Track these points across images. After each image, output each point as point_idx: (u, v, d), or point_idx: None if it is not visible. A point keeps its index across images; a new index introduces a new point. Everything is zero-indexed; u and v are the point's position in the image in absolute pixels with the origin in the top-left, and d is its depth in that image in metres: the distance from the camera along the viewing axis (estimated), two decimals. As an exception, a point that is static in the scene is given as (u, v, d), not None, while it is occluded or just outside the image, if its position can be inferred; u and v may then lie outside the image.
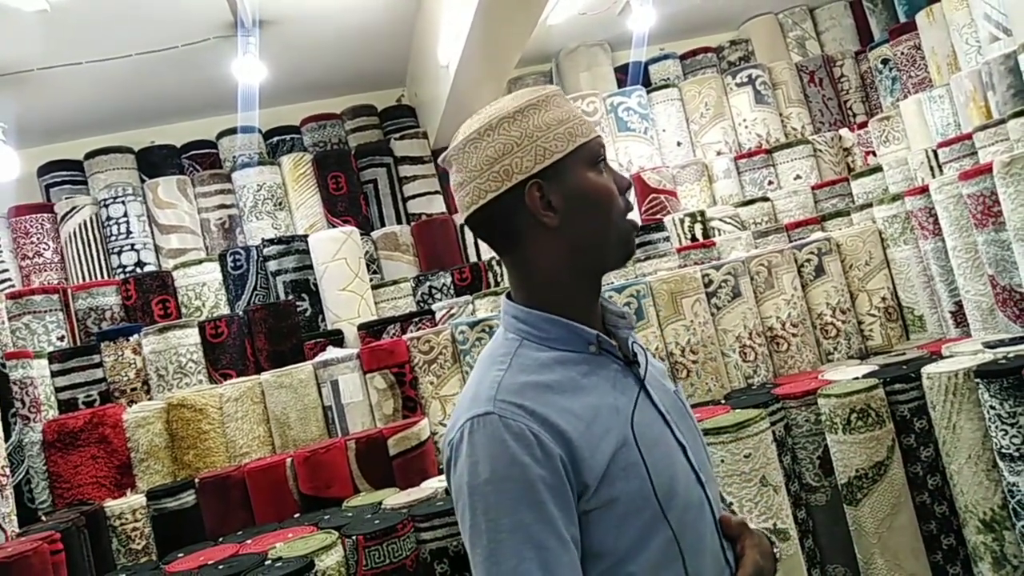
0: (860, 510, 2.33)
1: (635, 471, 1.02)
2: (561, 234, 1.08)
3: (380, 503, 2.43)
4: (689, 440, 1.14)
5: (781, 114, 4.78)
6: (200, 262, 3.72)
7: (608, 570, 1.01)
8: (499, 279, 3.86)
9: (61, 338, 3.34)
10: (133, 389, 3.17)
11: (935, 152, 3.42)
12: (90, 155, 4.41)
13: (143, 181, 4.32)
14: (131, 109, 4.57)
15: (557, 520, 0.96)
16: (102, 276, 4.00)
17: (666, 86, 4.79)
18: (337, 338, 3.38)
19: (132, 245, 4.07)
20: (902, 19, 4.55)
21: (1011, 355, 2.25)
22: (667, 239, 3.88)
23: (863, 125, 4.45)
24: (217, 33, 4.00)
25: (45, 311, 3.33)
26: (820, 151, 4.46)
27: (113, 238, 4.08)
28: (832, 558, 2.42)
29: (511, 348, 1.10)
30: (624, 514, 1.01)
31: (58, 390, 3.06)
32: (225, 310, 3.64)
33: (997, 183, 2.49)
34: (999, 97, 3.31)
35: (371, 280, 3.82)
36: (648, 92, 4.74)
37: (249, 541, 2.36)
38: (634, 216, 1.13)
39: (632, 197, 1.09)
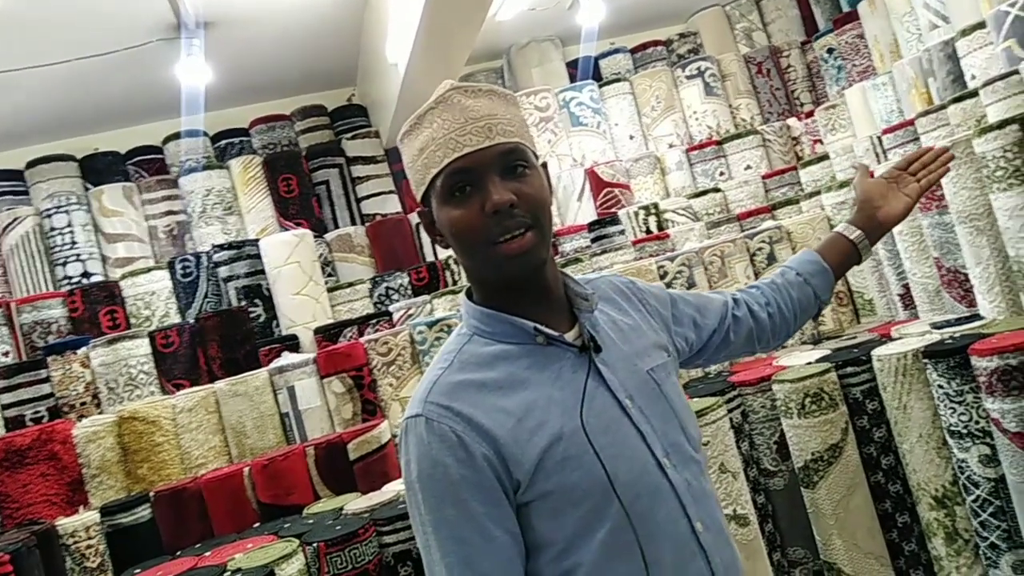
0: (817, 492, 2.37)
1: (574, 463, 1.05)
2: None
3: (341, 509, 2.41)
4: (656, 423, 1.13)
5: (730, 105, 4.84)
6: (148, 270, 3.64)
7: (553, 560, 1.06)
8: (456, 278, 3.84)
9: (6, 353, 3.24)
10: (83, 403, 3.08)
11: (880, 139, 3.49)
12: (31, 164, 4.27)
13: (87, 189, 4.20)
14: (73, 115, 4.45)
15: (481, 517, 1.02)
16: (47, 288, 3.88)
17: (617, 80, 4.81)
18: (292, 343, 3.33)
19: (77, 255, 3.96)
20: (845, 9, 4.63)
21: (957, 335, 2.30)
22: (622, 232, 3.90)
23: (810, 114, 4.52)
24: (160, 35, 3.91)
25: (-12, 326, 3.23)
26: (769, 141, 4.53)
27: (57, 249, 3.96)
28: (792, 541, 2.46)
29: (459, 344, 1.13)
30: (561, 506, 1.05)
31: (4, 407, 2.98)
32: (176, 319, 3.56)
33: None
34: (939, 83, 3.38)
35: (326, 283, 3.77)
36: (600, 86, 4.76)
37: (208, 553, 2.32)
38: (528, 237, 1.06)
39: (529, 209, 1.06)
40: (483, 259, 1.09)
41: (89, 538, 2.53)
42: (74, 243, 3.97)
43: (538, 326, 1.10)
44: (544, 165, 1.17)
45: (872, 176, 1.54)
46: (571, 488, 1.04)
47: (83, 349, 3.13)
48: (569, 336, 1.13)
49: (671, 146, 4.66)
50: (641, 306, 1.29)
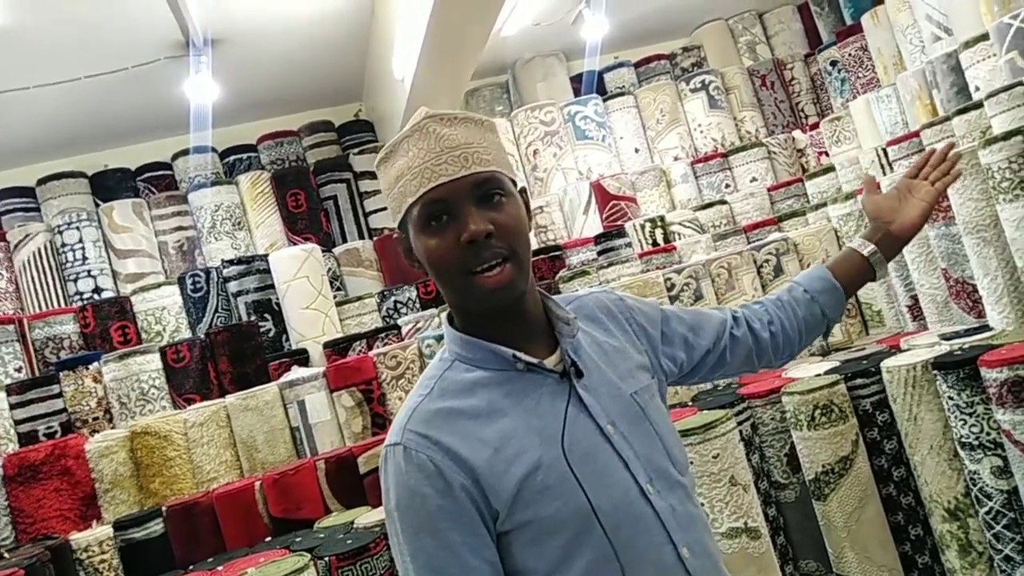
0: (828, 505, 2.36)
1: (553, 492, 1.04)
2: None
3: (352, 522, 2.41)
4: (639, 448, 1.11)
5: (735, 118, 4.86)
6: (159, 286, 3.67)
7: None
8: (464, 291, 3.85)
9: (19, 369, 3.26)
10: (95, 418, 3.10)
11: (885, 150, 3.51)
12: (42, 181, 4.32)
13: (97, 206, 4.24)
14: (83, 133, 4.50)
15: (459, 546, 1.02)
16: (59, 304, 3.92)
17: (621, 94, 4.85)
18: (302, 357, 3.34)
19: (88, 271, 3.99)
20: (848, 21, 4.67)
21: (966, 346, 2.30)
22: (629, 245, 3.91)
23: (815, 126, 4.54)
24: (168, 53, 3.95)
25: (1, 342, 3.25)
26: (774, 153, 4.54)
27: (69, 265, 3.99)
28: (804, 553, 2.46)
29: (440, 371, 1.13)
30: (540, 535, 1.04)
31: (17, 423, 2.99)
32: (186, 334, 3.58)
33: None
34: (943, 95, 3.40)
35: (335, 297, 3.79)
36: (604, 100, 4.79)
37: (220, 568, 2.32)
38: (506, 268, 1.05)
39: (506, 239, 1.05)
40: (461, 289, 1.08)
41: (102, 553, 2.54)
42: (85, 259, 4.00)
43: (517, 353, 1.09)
44: (523, 191, 1.16)
45: (879, 189, 1.52)
46: (550, 517, 1.04)
47: (95, 364, 3.14)
48: (550, 362, 1.12)
49: (676, 159, 4.68)
50: (627, 325, 1.26)
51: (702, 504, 2.19)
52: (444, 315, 1.19)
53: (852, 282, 1.44)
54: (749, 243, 3.52)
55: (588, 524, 1.04)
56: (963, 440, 2.16)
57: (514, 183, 1.13)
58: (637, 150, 4.76)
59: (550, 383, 1.11)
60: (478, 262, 1.04)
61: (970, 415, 2.12)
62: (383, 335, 3.42)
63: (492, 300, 1.06)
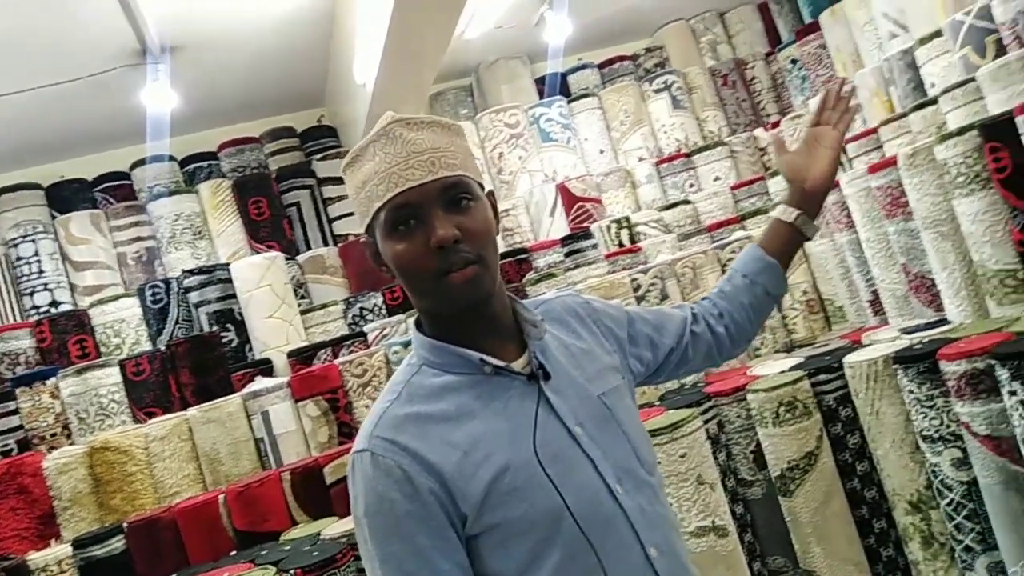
0: (794, 501, 2.38)
1: (521, 495, 1.04)
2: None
3: (319, 534, 2.38)
4: (607, 449, 1.12)
5: (698, 118, 4.89)
6: (117, 298, 3.58)
7: None
8: (431, 296, 3.83)
9: (-28, 387, 3.17)
10: (53, 435, 3.03)
11: (844, 148, 3.54)
12: (-5, 193, 4.21)
13: (54, 217, 4.15)
14: (38, 143, 4.39)
15: (428, 550, 1.02)
16: (14, 319, 3.82)
17: (586, 95, 4.85)
18: (266, 367, 3.29)
19: (45, 285, 3.90)
20: (807, 20, 4.71)
21: (926, 340, 2.33)
22: (595, 246, 3.92)
23: (776, 124, 4.58)
24: (125, 61, 3.88)
25: (-46, 359, 3.17)
26: (737, 152, 4.57)
27: (24, 278, 3.90)
28: (771, 550, 2.47)
29: (407, 376, 1.13)
30: (510, 537, 1.04)
31: (-29, 442, 2.91)
32: (146, 346, 3.51)
33: (903, 175, 2.59)
34: (900, 91, 3.44)
35: (299, 305, 3.74)
36: (568, 102, 4.79)
37: (183, 584, 2.28)
38: (478, 269, 1.06)
39: (473, 244, 1.07)
40: (430, 292, 1.08)
41: (61, 572, 2.48)
42: (41, 272, 3.91)
43: (484, 357, 1.09)
44: (490, 194, 1.17)
45: (786, 148, 1.50)
46: (519, 520, 1.04)
47: (52, 380, 3.07)
48: (518, 364, 1.12)
49: (641, 160, 4.70)
50: (595, 327, 1.27)
51: (670, 504, 2.19)
52: (412, 320, 1.17)
53: (786, 252, 1.46)
54: (713, 242, 3.53)
55: (556, 525, 1.05)
56: (924, 433, 2.19)
57: (481, 187, 1.14)
58: (602, 151, 4.77)
59: (518, 386, 1.11)
60: (447, 266, 1.04)
61: (930, 408, 2.15)
62: (349, 343, 3.38)
63: (460, 300, 1.07)
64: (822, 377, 2.46)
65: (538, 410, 1.10)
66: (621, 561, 1.08)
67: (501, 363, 1.10)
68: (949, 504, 2.15)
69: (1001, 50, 2.77)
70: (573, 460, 1.09)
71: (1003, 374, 1.89)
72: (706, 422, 2.45)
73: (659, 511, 1.16)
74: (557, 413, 1.11)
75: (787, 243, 1.45)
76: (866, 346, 2.59)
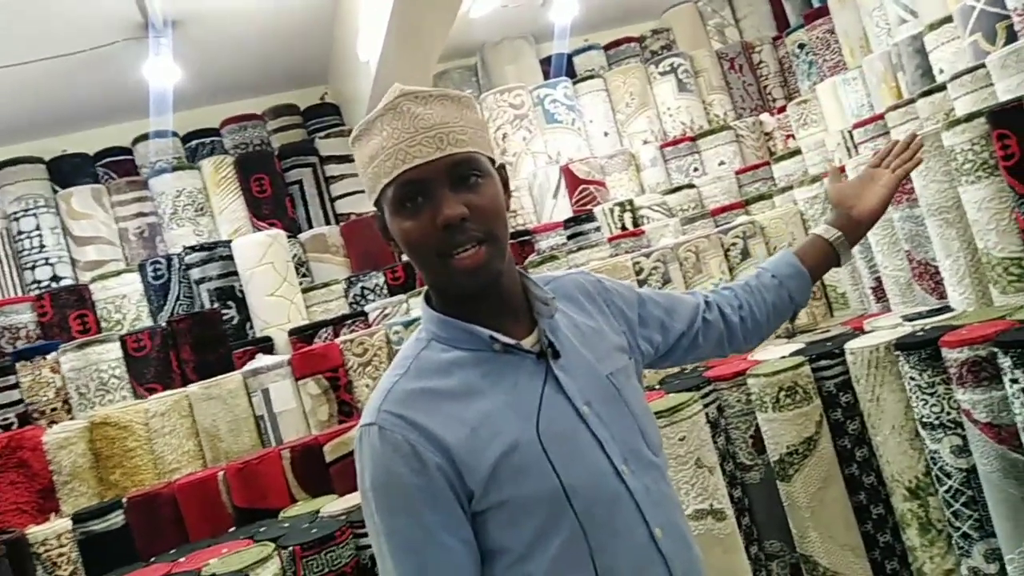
0: (792, 485, 2.38)
1: (529, 472, 1.04)
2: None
3: (318, 511, 2.39)
4: (615, 429, 1.12)
5: (703, 101, 4.85)
6: (119, 273, 3.57)
7: (508, 567, 1.06)
8: (432, 277, 3.81)
9: (-27, 360, 3.17)
10: (53, 409, 3.02)
11: (851, 133, 3.52)
12: (-3, 166, 4.20)
13: (55, 192, 4.13)
14: (40, 117, 4.38)
15: (434, 525, 1.02)
16: (15, 293, 3.82)
17: (591, 77, 4.81)
18: (267, 345, 3.29)
19: (46, 259, 3.89)
20: (816, 4, 4.66)
21: (928, 327, 2.32)
22: (598, 229, 3.90)
23: (782, 109, 4.55)
24: (127, 35, 3.86)
25: (-46, 333, 3.16)
26: (742, 136, 4.55)
27: (25, 253, 3.89)
28: (768, 534, 2.47)
29: (416, 350, 1.12)
30: (516, 515, 1.04)
31: (-28, 415, 2.91)
32: (147, 322, 3.50)
33: (908, 161, 2.56)
34: (908, 77, 3.41)
35: (300, 284, 3.73)
36: (574, 83, 4.75)
37: (182, 559, 2.29)
38: (478, 249, 1.05)
39: (482, 222, 1.05)
40: (436, 271, 1.08)
41: (61, 546, 2.49)
42: (43, 246, 3.90)
43: (494, 334, 1.09)
44: (501, 168, 1.15)
45: (843, 176, 1.54)
46: (526, 497, 1.04)
47: (53, 354, 3.07)
48: (527, 342, 1.12)
49: (645, 143, 4.67)
50: (605, 307, 1.27)
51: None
52: (422, 295, 1.17)
53: (818, 267, 1.47)
54: (717, 227, 3.52)
55: (563, 504, 1.05)
56: (924, 420, 2.18)
57: (492, 161, 1.12)
58: (606, 134, 4.74)
59: (527, 364, 1.11)
60: (453, 245, 1.03)
61: (931, 395, 2.15)
62: (350, 322, 3.37)
63: (468, 282, 1.06)
64: (823, 363, 2.46)
65: (544, 388, 1.09)
66: (626, 541, 1.08)
67: (511, 340, 1.09)
68: (947, 491, 2.15)
69: (1012, 36, 2.74)
70: (580, 440, 1.09)
71: (1005, 362, 1.89)
72: (706, 406, 2.45)
73: (664, 491, 1.16)
74: (565, 392, 1.10)
75: (821, 259, 1.46)
76: (868, 332, 2.58)
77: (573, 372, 1.13)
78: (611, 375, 1.17)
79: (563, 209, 4.28)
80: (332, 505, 2.41)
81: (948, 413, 2.12)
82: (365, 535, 2.18)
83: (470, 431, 1.04)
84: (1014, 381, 1.87)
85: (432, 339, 1.12)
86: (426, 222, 1.04)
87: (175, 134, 4.51)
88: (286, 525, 2.35)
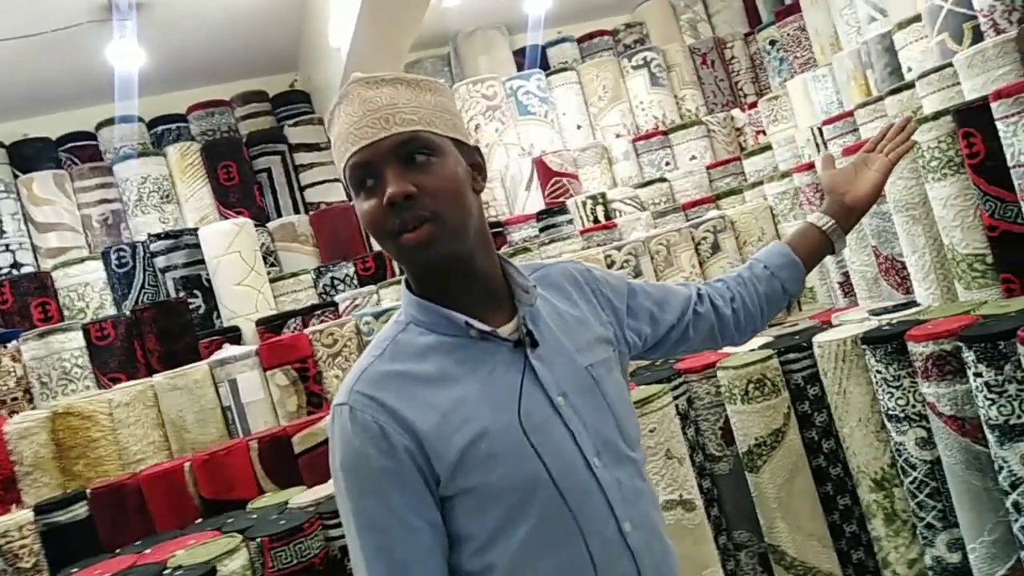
0: (760, 476, 2.41)
1: (497, 460, 1.04)
2: None
3: (286, 503, 2.36)
4: (589, 421, 1.11)
5: (676, 96, 4.88)
6: (82, 261, 3.51)
7: (473, 554, 1.07)
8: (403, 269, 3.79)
9: (-70, 348, 3.09)
10: (14, 399, 2.96)
11: (820, 130, 3.56)
12: (-45, 150, 4.09)
13: (16, 177, 4.03)
14: (0, 100, 4.27)
15: (401, 507, 1.03)
16: (-27, 280, 3.73)
17: (564, 69, 4.81)
18: (234, 335, 3.25)
19: (7, 245, 3.81)
20: (787, 1, 4.71)
21: (894, 321, 2.36)
22: (570, 222, 3.91)
23: (753, 105, 4.59)
24: (91, 17, 3.77)
25: (-90, 320, 3.08)
26: (713, 131, 4.58)
27: (-15, 239, 3.81)
28: (737, 524, 2.50)
29: (394, 333, 1.13)
30: (484, 502, 1.05)
31: (-72, 405, 2.84)
32: (111, 311, 3.44)
33: (877, 158, 2.60)
34: (877, 75, 3.46)
35: (269, 273, 3.69)
36: (547, 75, 4.75)
37: (148, 551, 2.25)
38: (425, 229, 1.03)
39: (430, 201, 1.03)
40: (391, 251, 1.07)
41: (23, 537, 2.43)
42: (3, 233, 3.82)
43: (470, 320, 1.08)
44: (475, 150, 1.15)
45: (835, 164, 1.53)
46: (493, 485, 1.04)
47: (13, 343, 3.00)
48: (505, 330, 1.11)
49: (618, 136, 4.69)
50: (593, 296, 1.26)
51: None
52: (403, 279, 1.16)
53: (811, 256, 1.46)
54: (688, 221, 3.54)
55: (529, 494, 1.05)
56: (890, 412, 2.22)
57: (459, 143, 1.11)
58: (579, 126, 4.75)
59: (504, 352, 1.10)
60: (400, 224, 1.02)
61: (897, 388, 2.18)
62: (319, 312, 3.34)
63: (416, 261, 1.07)
64: (791, 356, 2.49)
65: (524, 378, 1.09)
66: (594, 533, 1.08)
67: (487, 328, 1.09)
68: (912, 482, 2.19)
69: (978, 36, 2.79)
70: (552, 430, 1.08)
71: (969, 356, 1.92)
72: (676, 398, 2.46)
73: (638, 486, 1.16)
74: (541, 382, 1.10)
75: (815, 248, 1.45)
76: (835, 326, 2.61)
77: (550, 362, 1.12)
78: (590, 366, 1.15)
79: (535, 201, 4.27)
80: (301, 496, 2.38)
81: (913, 406, 2.15)
82: (334, 526, 2.17)
83: (440, 416, 1.04)
84: (978, 375, 1.90)
85: (411, 322, 1.12)
86: (377, 203, 1.04)
87: (140, 119, 4.44)
88: (254, 516, 2.32)
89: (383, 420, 1.03)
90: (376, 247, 4.15)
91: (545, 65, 4.97)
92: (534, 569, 1.06)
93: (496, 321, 1.11)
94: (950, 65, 2.67)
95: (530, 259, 3.35)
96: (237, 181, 4.16)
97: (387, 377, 1.07)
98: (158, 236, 3.54)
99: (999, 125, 2.18)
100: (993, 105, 2.20)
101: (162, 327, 3.13)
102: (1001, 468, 1.89)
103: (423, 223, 1.02)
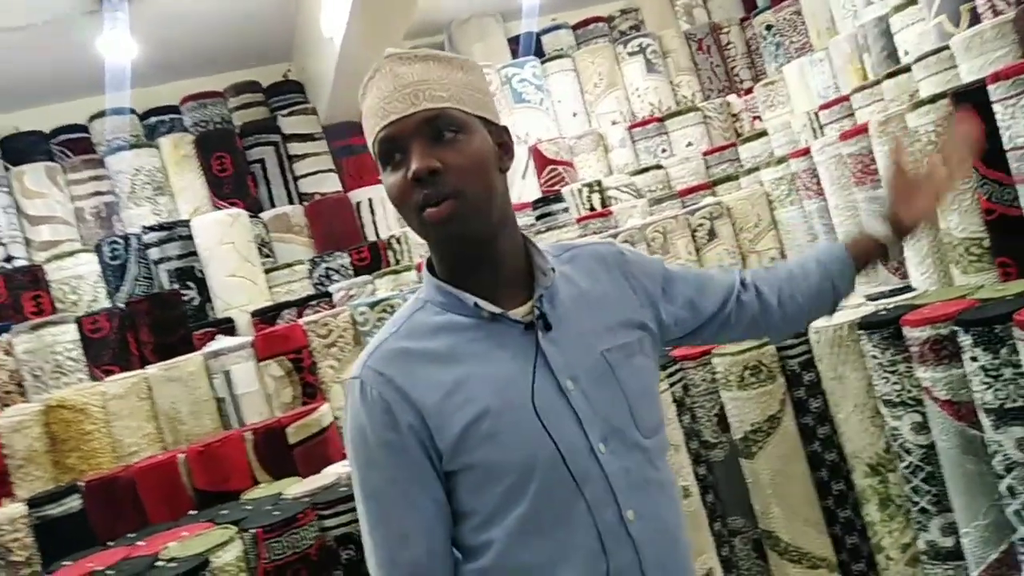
0: (756, 463, 2.40)
1: (497, 440, 1.05)
2: None
3: (280, 494, 2.35)
4: (599, 407, 1.10)
5: (671, 82, 4.85)
6: (74, 253, 3.50)
7: (472, 530, 1.09)
8: (399, 258, 3.78)
9: (-77, 342, 3.08)
10: (7, 392, 2.96)
11: (816, 115, 3.54)
12: (-53, 144, 4.07)
13: (7, 170, 4.01)
14: (-10, 92, 4.24)
15: (404, 481, 1.07)
16: (-34, 274, 3.71)
17: (559, 56, 4.79)
18: (228, 327, 3.24)
19: (-1, 239, 3.79)
20: (783, -15, 4.67)
21: (891, 306, 2.34)
22: (566, 210, 3.89)
23: (749, 91, 4.56)
24: (82, 8, 3.74)
25: (-96, 314, 3.07)
26: (709, 118, 4.55)
27: (-23, 232, 3.79)
28: (732, 510, 2.49)
29: (411, 311, 1.15)
30: (483, 480, 1.07)
31: (-78, 398, 2.83)
32: (104, 303, 3.43)
33: (873, 142, 2.58)
34: (874, 59, 3.43)
35: (263, 264, 3.67)
36: (542, 63, 4.72)
37: (141, 543, 2.24)
38: (448, 204, 1.03)
39: (454, 178, 1.03)
40: (415, 226, 1.08)
41: (15, 531, 2.42)
42: (-5, 226, 3.80)
43: (479, 301, 1.08)
44: (504, 130, 1.14)
45: (903, 159, 1.41)
46: (492, 465, 1.06)
47: (6, 336, 3.00)
48: (518, 312, 1.11)
49: (614, 123, 4.66)
50: (624, 279, 1.22)
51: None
52: (426, 259, 1.19)
53: (864, 259, 1.39)
54: (684, 207, 3.53)
55: (530, 475, 1.06)
56: (885, 398, 2.21)
57: (489, 122, 1.11)
58: (575, 114, 4.72)
59: (515, 334, 1.10)
60: (423, 199, 1.03)
61: (893, 373, 2.17)
62: (314, 303, 3.33)
63: (438, 237, 1.07)
64: (787, 342, 2.47)
65: (535, 361, 1.09)
66: (592, 520, 1.07)
67: (496, 310, 1.09)
68: (907, 467, 2.18)
69: (975, 19, 2.76)
70: (558, 414, 1.08)
71: (966, 340, 1.91)
72: (672, 385, 2.45)
73: (650, 475, 1.13)
74: (550, 366, 1.09)
75: (868, 253, 1.38)
76: (831, 312, 2.60)
77: (563, 346, 1.11)
78: (607, 351, 1.14)
79: (531, 189, 4.26)
80: (295, 487, 2.37)
81: (909, 391, 2.14)
82: (329, 517, 2.16)
83: (444, 394, 1.06)
84: (974, 359, 1.89)
85: (428, 301, 1.14)
86: (401, 178, 1.05)
87: (133, 111, 4.40)
88: (248, 508, 2.31)
89: (390, 396, 1.06)
90: (371, 237, 4.13)
91: (540, 52, 4.94)
92: (530, 549, 1.07)
93: (511, 303, 1.11)
94: (947, 48, 2.65)
95: (525, 248, 3.33)
96: (231, 172, 4.13)
97: (399, 354, 1.09)
98: (151, 228, 3.54)
99: (996, 107, 2.16)
100: (991, 87, 2.18)
101: (156, 319, 3.12)
102: (996, 452, 1.88)
103: (446, 199, 1.03)
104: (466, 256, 1.10)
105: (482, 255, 1.10)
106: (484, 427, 1.05)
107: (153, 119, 4.43)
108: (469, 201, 1.05)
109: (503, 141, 1.14)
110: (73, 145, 4.25)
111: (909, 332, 2.09)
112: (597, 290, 1.19)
